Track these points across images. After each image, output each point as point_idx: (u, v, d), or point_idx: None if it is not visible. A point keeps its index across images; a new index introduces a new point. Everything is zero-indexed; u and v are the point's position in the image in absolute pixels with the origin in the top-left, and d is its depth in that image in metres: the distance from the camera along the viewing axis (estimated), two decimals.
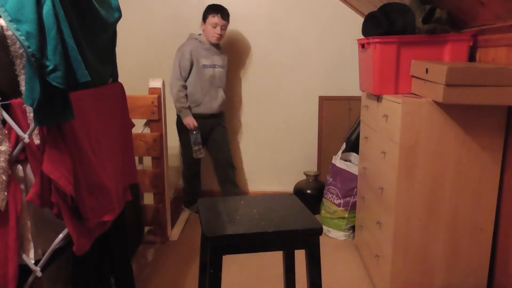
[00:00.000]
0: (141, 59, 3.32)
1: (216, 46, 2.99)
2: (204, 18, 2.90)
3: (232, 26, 3.09)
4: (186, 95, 2.90)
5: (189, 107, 2.91)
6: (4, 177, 1.27)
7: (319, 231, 1.42)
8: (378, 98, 2.14)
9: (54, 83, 1.20)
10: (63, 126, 1.32)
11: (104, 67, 1.68)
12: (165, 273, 2.37)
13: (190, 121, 2.90)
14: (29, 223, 1.36)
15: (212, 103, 2.99)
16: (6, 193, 1.28)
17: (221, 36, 2.90)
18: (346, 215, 2.73)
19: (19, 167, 1.35)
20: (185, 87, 2.90)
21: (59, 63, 1.20)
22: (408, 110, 1.81)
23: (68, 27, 1.24)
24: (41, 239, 1.42)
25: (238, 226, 1.41)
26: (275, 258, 2.43)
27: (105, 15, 1.58)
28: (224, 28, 2.90)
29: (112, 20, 1.65)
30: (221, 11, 2.86)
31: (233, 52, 3.27)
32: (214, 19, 2.84)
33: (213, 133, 3.08)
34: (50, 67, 1.19)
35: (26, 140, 1.29)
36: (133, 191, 2.04)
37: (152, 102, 2.50)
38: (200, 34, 2.98)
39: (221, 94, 3.03)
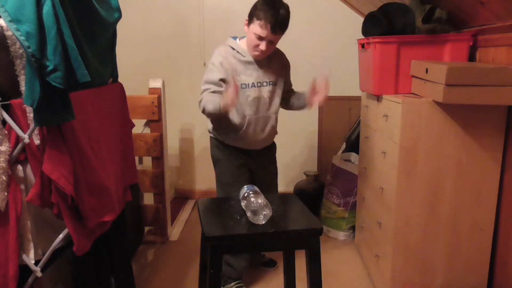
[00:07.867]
0: (141, 59, 3.32)
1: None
2: (250, 18, 1.93)
3: (232, 26, 3.08)
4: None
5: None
6: (4, 177, 1.27)
7: (319, 231, 1.42)
8: (378, 98, 2.14)
9: (54, 83, 1.20)
10: (63, 126, 1.32)
11: (104, 67, 1.68)
12: (165, 273, 2.37)
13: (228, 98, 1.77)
14: (29, 223, 1.37)
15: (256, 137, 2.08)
16: (6, 193, 1.28)
17: (264, 53, 1.95)
18: (346, 215, 2.72)
19: (19, 167, 1.35)
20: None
21: (59, 63, 1.20)
22: (408, 110, 1.81)
23: (68, 27, 1.24)
24: (41, 239, 1.42)
25: (238, 226, 1.41)
26: (275, 258, 2.44)
27: (105, 15, 1.58)
28: (273, 42, 1.94)
29: (112, 20, 1.65)
30: (275, 20, 1.85)
31: None
32: (261, 29, 1.87)
33: (262, 175, 2.19)
34: (50, 67, 1.19)
35: (26, 140, 1.29)
36: (133, 191, 2.04)
37: (152, 102, 2.50)
38: (240, 38, 2.07)
39: (270, 125, 2.10)
